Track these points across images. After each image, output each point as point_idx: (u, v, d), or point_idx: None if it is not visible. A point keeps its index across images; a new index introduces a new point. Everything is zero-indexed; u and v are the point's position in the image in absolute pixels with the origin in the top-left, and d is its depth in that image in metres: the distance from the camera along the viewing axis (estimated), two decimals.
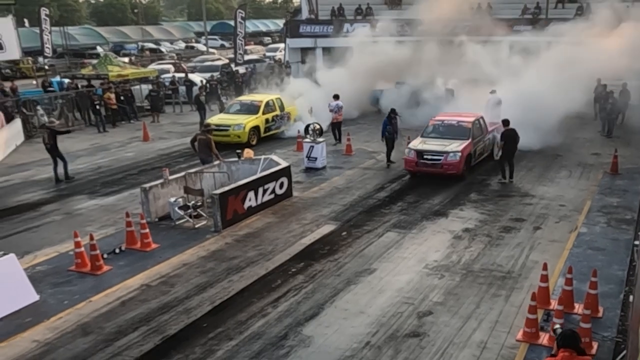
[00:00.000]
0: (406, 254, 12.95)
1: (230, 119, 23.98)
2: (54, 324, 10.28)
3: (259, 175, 16.12)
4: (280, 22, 71.09)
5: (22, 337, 9.89)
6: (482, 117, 19.73)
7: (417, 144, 18.65)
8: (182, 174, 16.32)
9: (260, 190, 15.73)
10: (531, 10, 35.48)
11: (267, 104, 24.98)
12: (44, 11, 43.28)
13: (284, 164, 16.99)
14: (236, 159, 17.65)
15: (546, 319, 9.84)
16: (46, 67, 46.39)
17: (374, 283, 11.61)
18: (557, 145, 21.62)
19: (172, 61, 50.45)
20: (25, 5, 59.89)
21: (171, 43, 75.90)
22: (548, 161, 20.16)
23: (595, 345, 9.07)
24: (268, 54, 53.99)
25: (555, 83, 21.44)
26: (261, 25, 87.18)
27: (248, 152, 17.88)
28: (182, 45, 75.29)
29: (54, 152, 18.98)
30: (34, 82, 39.83)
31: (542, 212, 15.34)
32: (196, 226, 14.74)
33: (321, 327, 10.06)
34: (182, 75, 36.99)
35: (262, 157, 17.64)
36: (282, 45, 48.94)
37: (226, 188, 15.13)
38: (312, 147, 20.12)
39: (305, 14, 41.63)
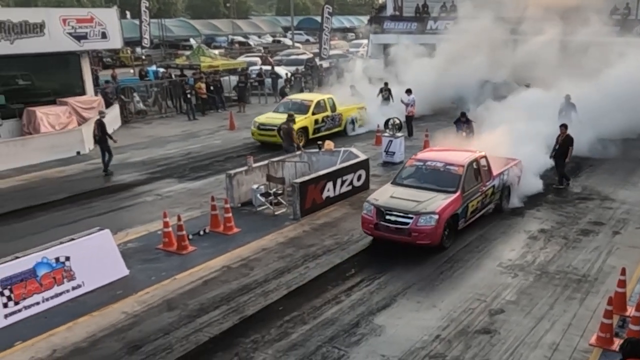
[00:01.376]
0: (481, 251, 12.69)
1: (278, 118, 22.10)
2: (142, 298, 10.66)
3: (338, 166, 16.17)
4: (365, 19, 70.79)
5: (113, 308, 10.31)
6: (485, 157, 14.11)
7: (381, 196, 13.21)
8: (266, 162, 16.54)
9: (339, 181, 15.75)
10: (620, 11, 33.86)
11: (318, 104, 23.46)
12: (144, 4, 44.58)
13: (362, 156, 16.98)
14: (317, 149, 17.78)
15: (622, 325, 9.43)
16: (143, 56, 47.87)
17: (446, 278, 11.45)
18: None
19: (260, 54, 51.12)
20: None
21: (259, 37, 76.86)
22: (632, 165, 19.14)
23: None
24: (351, 49, 53.89)
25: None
26: (345, 21, 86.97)
27: (329, 144, 17.99)
28: (270, 39, 76.10)
29: (102, 144, 19.02)
30: (132, 70, 41.23)
31: (622, 216, 14.66)
32: (276, 213, 14.92)
33: (393, 317, 10.01)
34: (269, 67, 37.45)
35: (342, 149, 17.67)
36: (365, 41, 48.68)
37: (306, 177, 15.26)
38: (391, 141, 20.01)
39: (390, 11, 41.30)
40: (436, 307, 10.32)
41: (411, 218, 12.24)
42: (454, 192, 12.84)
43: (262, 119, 23.04)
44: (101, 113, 19.82)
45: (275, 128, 21.33)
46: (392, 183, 13.80)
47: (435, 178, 13.33)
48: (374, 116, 25.08)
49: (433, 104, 27.33)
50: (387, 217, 12.49)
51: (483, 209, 14.06)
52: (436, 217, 12.18)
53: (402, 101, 24.06)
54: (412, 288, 11.05)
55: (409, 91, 23.89)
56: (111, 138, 19.16)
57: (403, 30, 38.01)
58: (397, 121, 20.73)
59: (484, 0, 29.87)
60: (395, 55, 31.89)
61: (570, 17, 27.11)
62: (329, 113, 23.75)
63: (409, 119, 23.85)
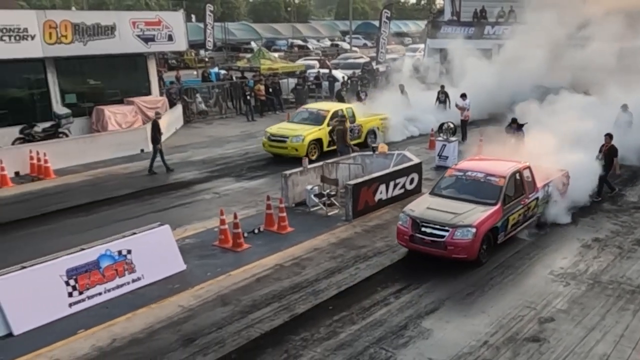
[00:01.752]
0: (532, 258, 12.39)
1: (290, 129, 20.89)
2: (197, 293, 10.82)
3: (391, 169, 16.06)
4: (422, 23, 70.16)
5: (170, 301, 10.50)
6: (529, 167, 13.42)
7: (418, 207, 12.61)
8: (320, 163, 16.59)
9: (392, 184, 15.65)
10: None
11: (336, 114, 20.94)
12: (209, 8, 45.27)
13: (415, 160, 16.82)
14: (371, 152, 17.73)
15: None
16: (206, 59, 48.62)
17: (496, 284, 11.23)
18: None
19: (318, 58, 51.28)
20: (194, 2, 63.26)
21: (318, 40, 77.15)
22: None
23: None
24: (408, 53, 53.47)
25: None
26: (403, 25, 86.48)
27: (382, 147, 17.91)
28: (328, 43, 76.29)
29: (154, 144, 19.27)
30: (195, 72, 41.95)
31: None
32: (329, 214, 14.94)
33: (441, 321, 9.88)
34: (326, 71, 37.53)
35: (396, 152, 17.55)
36: (421, 45, 48.28)
37: (359, 180, 15.23)
38: (445, 145, 19.77)
39: (447, 16, 40.83)
40: (485, 313, 10.14)
41: (447, 231, 11.59)
42: (494, 204, 12.13)
43: (274, 129, 21.29)
44: (157, 114, 20.19)
45: (286, 140, 20.26)
46: (430, 193, 13.20)
47: (475, 189, 12.61)
48: (427, 119, 24.82)
49: (488, 109, 26.79)
50: (423, 229, 11.85)
51: (525, 222, 13.26)
52: (473, 230, 11.51)
53: (456, 105, 23.79)
54: (461, 293, 10.88)
55: (463, 95, 23.59)
56: (157, 142, 19.28)
57: (460, 34, 37.47)
58: (452, 125, 20.46)
59: (543, 4, 29.21)
60: (451, 60, 31.51)
61: (634, 21, 26.08)
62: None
63: (464, 123, 23.53)
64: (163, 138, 23.44)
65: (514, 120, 18.81)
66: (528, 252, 12.68)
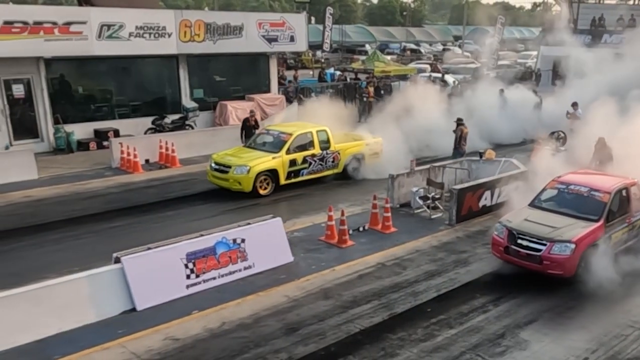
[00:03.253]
0: (638, 275, 11.45)
1: (236, 157, 16.49)
2: (302, 284, 10.96)
3: (497, 176, 15.51)
4: (536, 30, 67.24)
5: (277, 291, 10.70)
6: (636, 184, 12.25)
7: (515, 218, 11.76)
8: (427, 166, 16.27)
9: (497, 191, 15.10)
10: None
11: (300, 138, 16.98)
12: (329, 10, 45.60)
13: (522, 168, 16.12)
14: (477, 158, 17.21)
15: None
16: (322, 60, 49.11)
17: (599, 300, 10.53)
18: None
19: (429, 62, 50.44)
20: (314, 5, 64.07)
21: (430, 45, 75.86)
22: None
23: None
24: (520, 60, 51.46)
25: None
26: (516, 32, 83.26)
27: (490, 153, 17.34)
28: (440, 47, 74.83)
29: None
30: (311, 72, 42.50)
31: None
32: (432, 217, 14.67)
33: (539, 333, 9.44)
34: (438, 75, 36.85)
35: (503, 159, 16.92)
36: (534, 52, 46.26)
37: (465, 185, 14.84)
38: (553, 155, 18.77)
39: (563, 23, 38.83)
40: (585, 329, 9.58)
41: (544, 245, 10.80)
42: (597, 220, 11.17)
43: (220, 155, 16.84)
44: (251, 112, 20.48)
45: (228, 170, 16.07)
46: (529, 205, 12.21)
47: (577, 203, 11.66)
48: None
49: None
50: (519, 241, 11.11)
51: (628, 242, 12.07)
52: (572, 246, 10.66)
53: (567, 114, 22.53)
54: (561, 306, 10.33)
55: (575, 104, 22.36)
56: (244, 137, 19.37)
57: (576, 42, 35.53)
58: (562, 135, 19.46)
59: None
60: (564, 68, 30.00)
61: None
62: (316, 151, 17.21)
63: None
64: None
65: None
66: (634, 269, 11.78)
